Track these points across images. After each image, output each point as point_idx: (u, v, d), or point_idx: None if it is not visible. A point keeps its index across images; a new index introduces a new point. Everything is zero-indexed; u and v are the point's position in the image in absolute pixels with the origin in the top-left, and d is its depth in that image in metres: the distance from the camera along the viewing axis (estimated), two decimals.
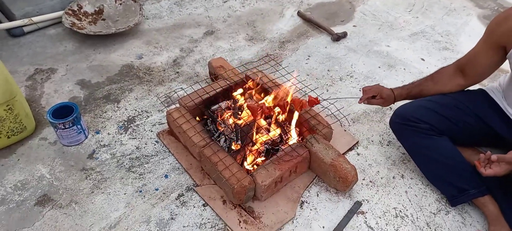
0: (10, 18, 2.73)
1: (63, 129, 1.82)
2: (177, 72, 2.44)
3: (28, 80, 2.33)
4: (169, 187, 1.70)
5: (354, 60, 2.58)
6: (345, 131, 2.01)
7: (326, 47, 2.71)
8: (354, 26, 2.95)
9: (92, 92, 2.25)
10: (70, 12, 2.83)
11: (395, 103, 1.83)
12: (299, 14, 3.04)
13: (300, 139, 1.82)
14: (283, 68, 2.16)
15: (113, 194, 1.67)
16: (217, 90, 1.97)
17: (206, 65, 2.42)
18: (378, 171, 1.82)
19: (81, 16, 2.87)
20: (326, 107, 1.96)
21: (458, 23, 3.02)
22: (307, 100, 1.78)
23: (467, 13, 3.16)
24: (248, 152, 1.74)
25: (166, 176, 1.75)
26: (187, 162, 1.82)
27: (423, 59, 2.60)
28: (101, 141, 1.93)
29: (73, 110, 1.85)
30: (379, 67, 2.52)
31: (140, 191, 1.68)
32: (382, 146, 1.95)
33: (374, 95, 1.80)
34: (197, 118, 1.93)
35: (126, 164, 1.82)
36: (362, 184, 1.75)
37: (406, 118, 1.69)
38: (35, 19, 2.71)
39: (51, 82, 2.32)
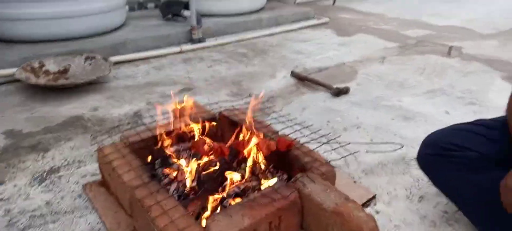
0: None
1: None
2: (136, 122, 1.92)
3: None
4: None
5: (360, 113, 2.06)
6: (355, 182, 1.40)
7: (324, 101, 2.22)
8: (357, 84, 2.51)
9: (18, 142, 1.71)
10: (28, 68, 2.45)
11: None
12: (293, 74, 2.63)
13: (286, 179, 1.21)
14: (270, 108, 1.65)
15: None
16: (178, 126, 1.43)
17: None
18: None
19: (40, 74, 2.48)
20: (326, 151, 1.39)
21: (481, 83, 2.57)
22: (276, 141, 1.25)
23: (490, 76, 2.73)
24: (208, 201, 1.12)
25: None
26: (114, 221, 1.18)
27: (447, 112, 2.08)
28: (1, 194, 1.33)
29: None
30: (393, 119, 1.99)
31: None
32: (411, 201, 1.31)
33: None
34: (148, 159, 1.36)
35: (21, 223, 1.19)
36: None
37: (440, 146, 1.12)
38: None
39: None
